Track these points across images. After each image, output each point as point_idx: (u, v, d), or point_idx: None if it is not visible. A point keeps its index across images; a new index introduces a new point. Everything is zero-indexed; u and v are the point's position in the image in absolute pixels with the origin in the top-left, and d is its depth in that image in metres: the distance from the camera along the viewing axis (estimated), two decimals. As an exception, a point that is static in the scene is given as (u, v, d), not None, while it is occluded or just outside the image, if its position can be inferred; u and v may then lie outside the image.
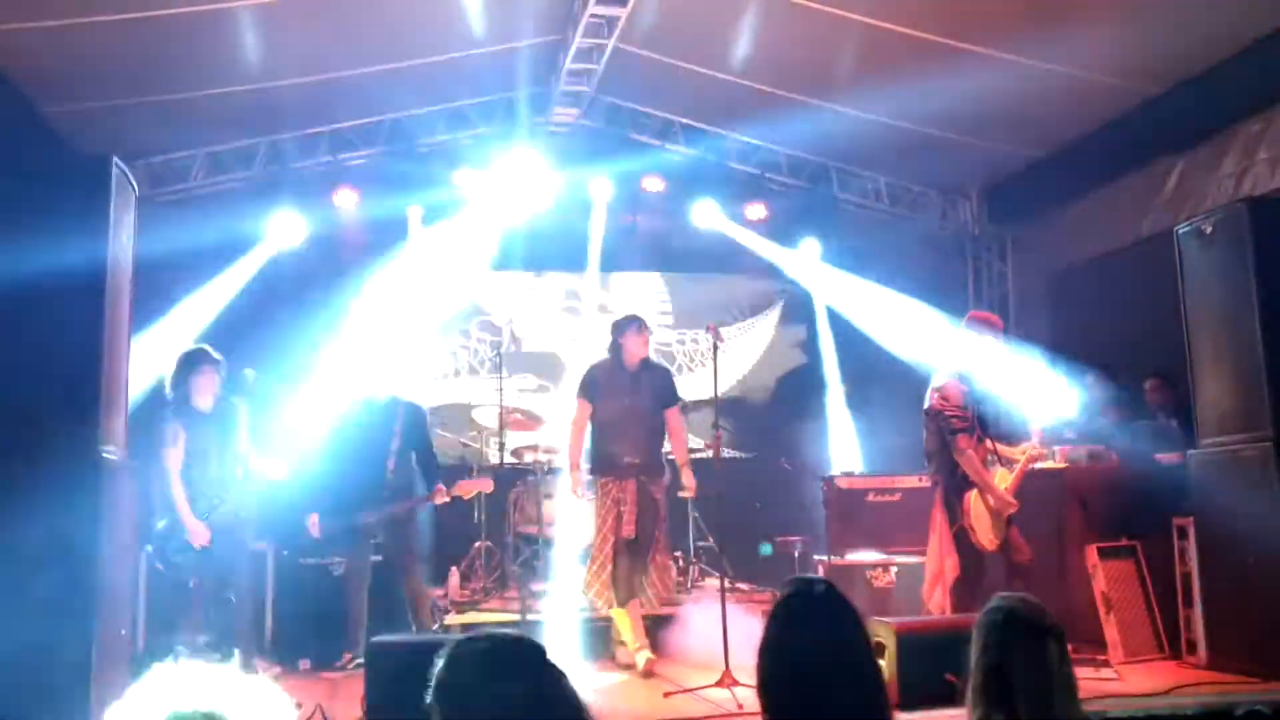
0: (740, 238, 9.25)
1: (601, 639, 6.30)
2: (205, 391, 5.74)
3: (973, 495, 5.52)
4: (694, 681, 5.22)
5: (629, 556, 5.79)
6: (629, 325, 6.07)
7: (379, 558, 6.20)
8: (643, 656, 5.72)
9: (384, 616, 5.99)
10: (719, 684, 5.02)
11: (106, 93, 6.86)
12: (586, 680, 5.49)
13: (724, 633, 5.17)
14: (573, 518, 6.82)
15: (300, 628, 6.30)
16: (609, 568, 5.79)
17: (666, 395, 6.12)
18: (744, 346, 9.94)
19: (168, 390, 5.80)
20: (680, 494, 6.31)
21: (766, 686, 2.31)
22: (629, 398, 5.97)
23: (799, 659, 2.27)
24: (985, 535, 5.48)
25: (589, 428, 6.05)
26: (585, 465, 6.05)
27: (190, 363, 5.77)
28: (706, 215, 9.10)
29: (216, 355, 5.87)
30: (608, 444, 5.97)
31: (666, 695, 5.09)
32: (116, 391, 4.46)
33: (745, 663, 5.04)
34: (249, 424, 5.95)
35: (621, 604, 5.81)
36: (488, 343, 9.29)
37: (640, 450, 5.91)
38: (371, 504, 6.02)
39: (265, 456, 5.93)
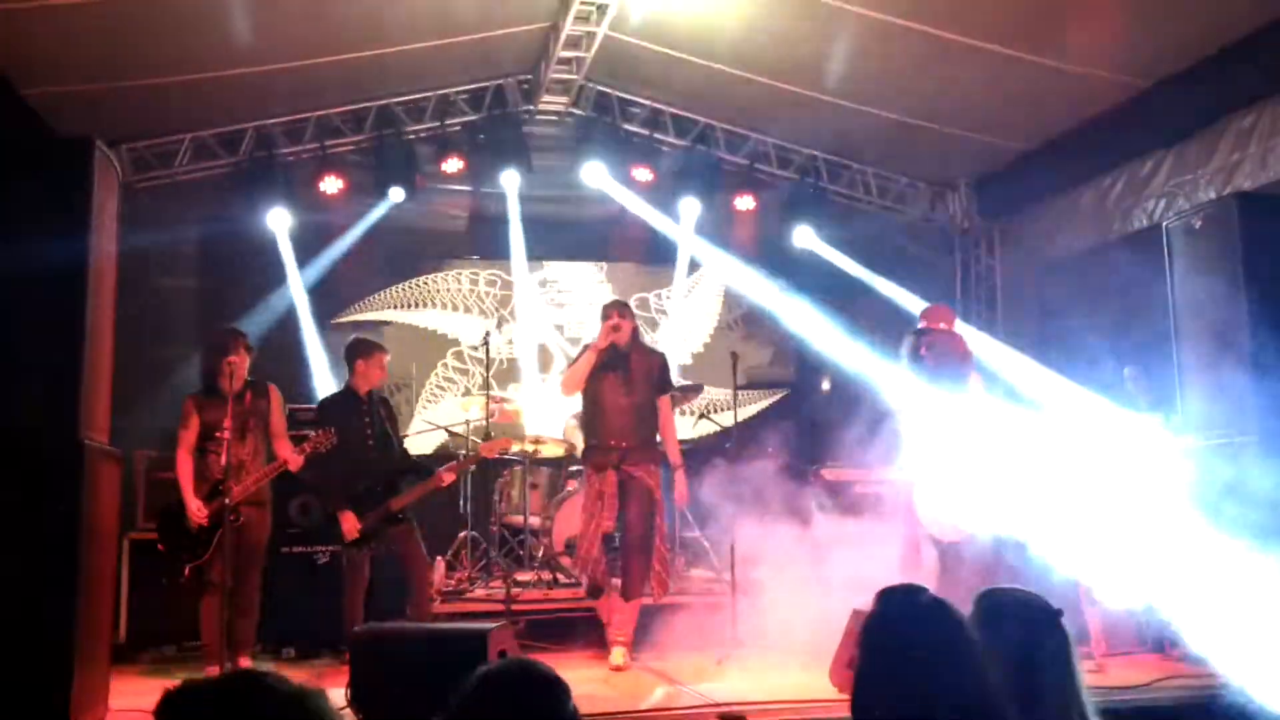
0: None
1: (588, 629, 6.27)
2: (230, 373, 5.50)
3: (916, 490, 5.66)
4: (687, 674, 5.23)
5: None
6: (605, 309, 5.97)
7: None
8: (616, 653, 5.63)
9: (377, 609, 5.80)
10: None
11: (89, 76, 6.77)
12: (571, 670, 5.45)
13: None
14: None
15: (286, 616, 6.25)
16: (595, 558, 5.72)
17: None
18: (689, 312, 9.83)
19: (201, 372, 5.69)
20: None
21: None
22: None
23: (905, 684, 2.06)
24: (936, 527, 5.54)
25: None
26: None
27: (216, 344, 5.62)
28: (692, 208, 9.05)
29: (245, 337, 5.67)
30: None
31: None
32: (100, 378, 4.42)
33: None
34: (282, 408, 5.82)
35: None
36: (478, 354, 8.80)
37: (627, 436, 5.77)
38: (403, 489, 5.89)
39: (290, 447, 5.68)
